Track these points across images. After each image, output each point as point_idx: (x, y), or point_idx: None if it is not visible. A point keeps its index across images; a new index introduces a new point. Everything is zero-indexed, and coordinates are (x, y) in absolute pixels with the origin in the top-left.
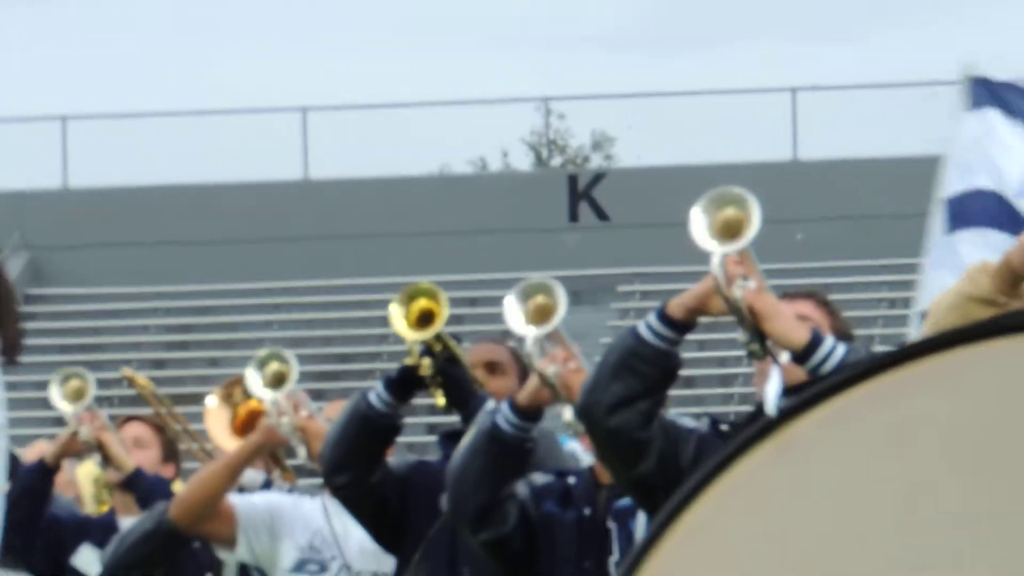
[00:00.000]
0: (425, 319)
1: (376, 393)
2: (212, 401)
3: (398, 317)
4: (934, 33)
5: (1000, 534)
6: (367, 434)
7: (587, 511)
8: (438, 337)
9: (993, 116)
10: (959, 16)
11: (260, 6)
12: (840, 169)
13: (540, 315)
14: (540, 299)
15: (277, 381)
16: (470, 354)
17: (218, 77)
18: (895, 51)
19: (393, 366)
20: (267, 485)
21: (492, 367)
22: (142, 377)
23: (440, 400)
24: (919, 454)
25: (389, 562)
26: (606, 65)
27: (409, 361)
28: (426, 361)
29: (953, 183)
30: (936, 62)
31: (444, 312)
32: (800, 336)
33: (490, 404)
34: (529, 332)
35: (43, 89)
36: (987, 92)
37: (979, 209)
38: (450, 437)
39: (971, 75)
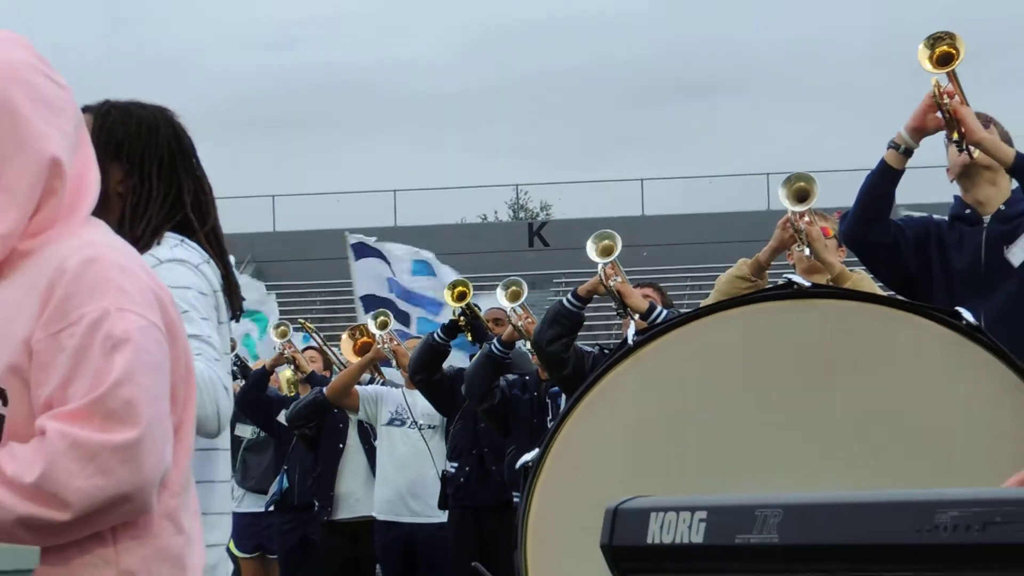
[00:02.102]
0: (461, 296)
1: (437, 334)
2: (345, 337)
3: (449, 297)
4: None
5: (774, 405)
6: (432, 355)
7: (535, 394)
8: (468, 306)
9: None
10: None
11: None
12: None
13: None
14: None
15: (382, 326)
16: (485, 314)
17: None
18: None
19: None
20: (371, 381)
21: (497, 321)
22: (310, 325)
23: (469, 337)
24: (708, 362)
25: (440, 419)
26: (552, 166)
27: (454, 317)
28: (462, 319)
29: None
30: None
31: (470, 293)
32: (643, 305)
33: (494, 341)
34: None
35: None
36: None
37: None
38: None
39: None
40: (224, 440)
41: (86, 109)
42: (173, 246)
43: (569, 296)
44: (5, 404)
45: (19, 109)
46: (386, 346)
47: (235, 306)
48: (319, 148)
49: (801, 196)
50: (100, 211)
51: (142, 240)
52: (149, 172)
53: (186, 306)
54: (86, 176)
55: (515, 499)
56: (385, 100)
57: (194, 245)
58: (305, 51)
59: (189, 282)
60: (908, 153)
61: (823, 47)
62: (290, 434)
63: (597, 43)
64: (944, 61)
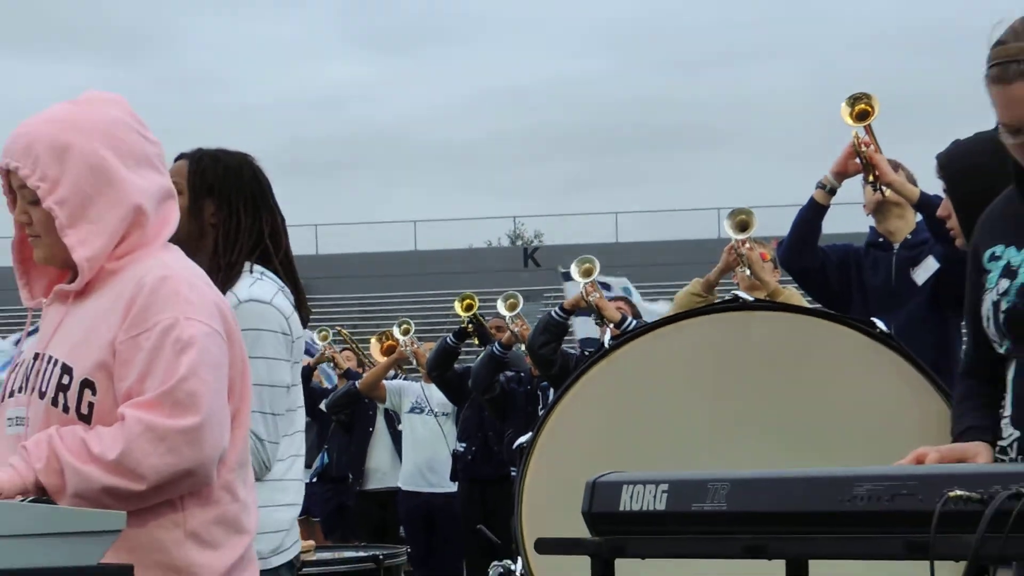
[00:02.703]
0: (468, 308)
1: (450, 338)
2: (373, 341)
3: (459, 308)
4: None
5: (723, 399)
6: (446, 356)
7: (529, 387)
8: (475, 315)
9: None
10: None
11: None
12: None
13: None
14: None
15: (405, 332)
16: (489, 323)
17: None
18: None
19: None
20: (394, 377)
21: (498, 328)
22: (346, 332)
23: (476, 341)
24: (669, 363)
25: (451, 407)
26: (543, 202)
27: (463, 325)
28: (470, 325)
29: None
30: None
31: (476, 305)
32: (617, 316)
33: (495, 343)
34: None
35: None
36: None
37: None
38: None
39: None
40: (299, 426)
41: (181, 156)
42: (251, 284)
43: (557, 309)
44: (95, 394)
45: (108, 161)
46: (408, 348)
47: (304, 316)
48: (354, 185)
49: (743, 226)
50: (197, 239)
51: (235, 264)
52: (236, 207)
53: (263, 350)
54: (167, 212)
55: (512, 473)
56: (408, 147)
57: (270, 275)
58: (345, 107)
59: (266, 324)
60: (832, 192)
61: (762, 100)
62: (329, 419)
63: (577, 100)
64: (862, 117)
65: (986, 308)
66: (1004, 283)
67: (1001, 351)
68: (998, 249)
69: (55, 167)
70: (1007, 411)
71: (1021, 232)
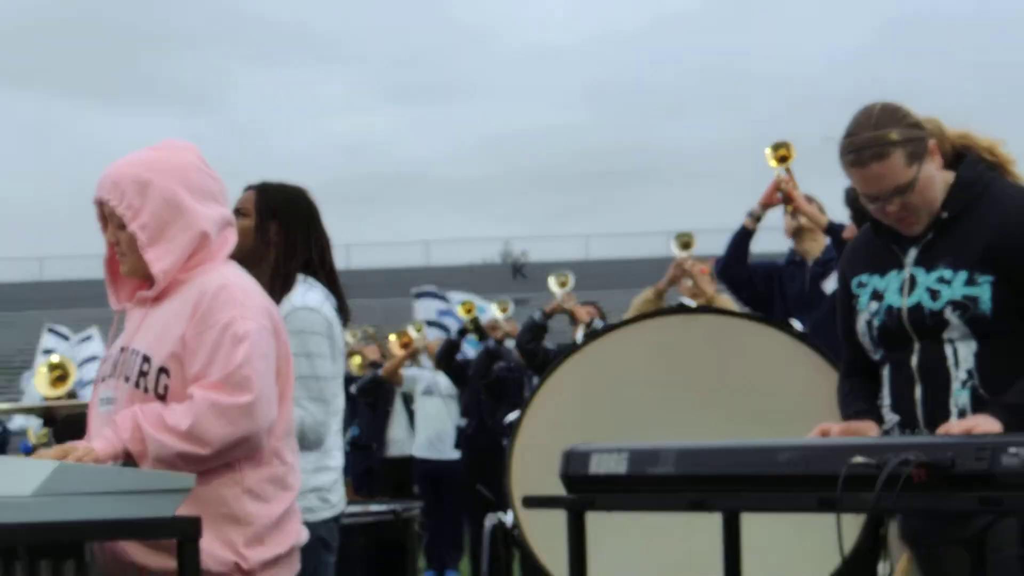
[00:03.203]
0: (468, 311)
1: (453, 335)
2: (393, 338)
3: (462, 311)
4: None
5: (672, 384)
6: (450, 349)
7: (518, 375)
8: (474, 318)
9: None
10: None
11: None
12: None
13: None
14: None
15: (418, 330)
16: (485, 323)
17: None
18: None
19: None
20: (410, 366)
21: (492, 327)
22: (371, 330)
23: (477, 338)
24: (628, 355)
25: (455, 390)
26: (529, 226)
27: (465, 325)
28: (470, 325)
29: None
30: None
31: (475, 309)
32: (587, 318)
33: (491, 340)
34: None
35: None
36: None
37: None
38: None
39: None
40: (340, 407)
41: (250, 187)
42: (304, 293)
43: (538, 312)
44: (169, 378)
45: (181, 195)
46: (420, 344)
47: (344, 318)
48: (379, 212)
49: (686, 246)
50: (262, 254)
51: (290, 275)
52: (293, 229)
53: (313, 349)
54: (227, 236)
55: (504, 444)
56: (423, 182)
57: (317, 284)
58: (373, 149)
59: (315, 328)
60: (758, 219)
61: (703, 145)
62: (357, 400)
63: (558, 145)
64: (782, 160)
65: (861, 325)
66: (874, 305)
67: (876, 358)
68: (863, 277)
69: (138, 199)
70: (886, 401)
71: (879, 262)
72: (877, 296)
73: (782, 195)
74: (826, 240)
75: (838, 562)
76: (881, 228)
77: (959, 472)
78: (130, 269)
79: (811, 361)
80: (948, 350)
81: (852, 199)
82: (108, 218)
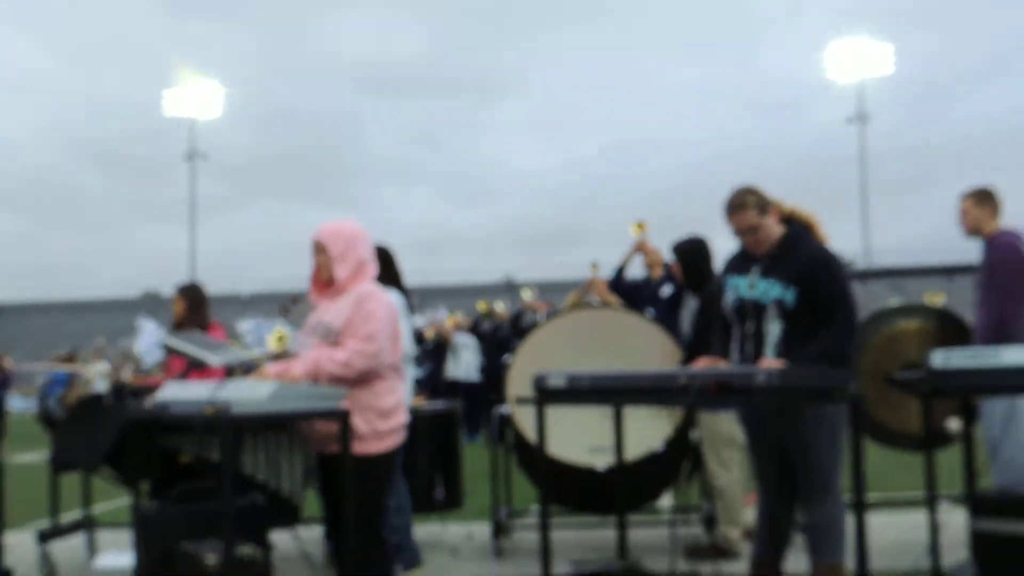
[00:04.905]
0: (484, 308)
1: (476, 318)
2: (448, 323)
3: (483, 307)
4: None
5: (586, 343)
6: (474, 327)
7: (516, 338)
8: (488, 311)
9: None
10: None
11: None
12: None
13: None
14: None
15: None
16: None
17: None
18: None
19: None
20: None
21: (489, 315)
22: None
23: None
24: (566, 329)
25: (479, 346)
26: (519, 262)
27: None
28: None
29: None
30: None
31: (487, 306)
32: (544, 311)
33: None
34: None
35: None
36: None
37: None
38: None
39: None
40: (411, 356)
41: (377, 244)
42: (389, 294)
43: (520, 309)
44: (339, 335)
45: (360, 246)
46: (463, 325)
47: (412, 306)
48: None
49: (593, 269)
50: (383, 277)
51: (385, 287)
52: (390, 264)
53: (400, 326)
54: (372, 268)
55: (503, 373)
56: (454, 233)
57: (397, 292)
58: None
59: (394, 311)
60: (624, 265)
61: (622, 197)
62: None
63: (542, 196)
64: (640, 228)
65: (726, 304)
66: (732, 294)
67: (733, 325)
68: (732, 279)
69: (336, 242)
70: (735, 348)
71: (740, 271)
72: (735, 289)
73: (640, 249)
74: (662, 271)
75: (669, 431)
76: (744, 253)
77: (735, 386)
78: (326, 278)
79: (655, 332)
80: (766, 325)
81: (677, 247)
82: (319, 250)
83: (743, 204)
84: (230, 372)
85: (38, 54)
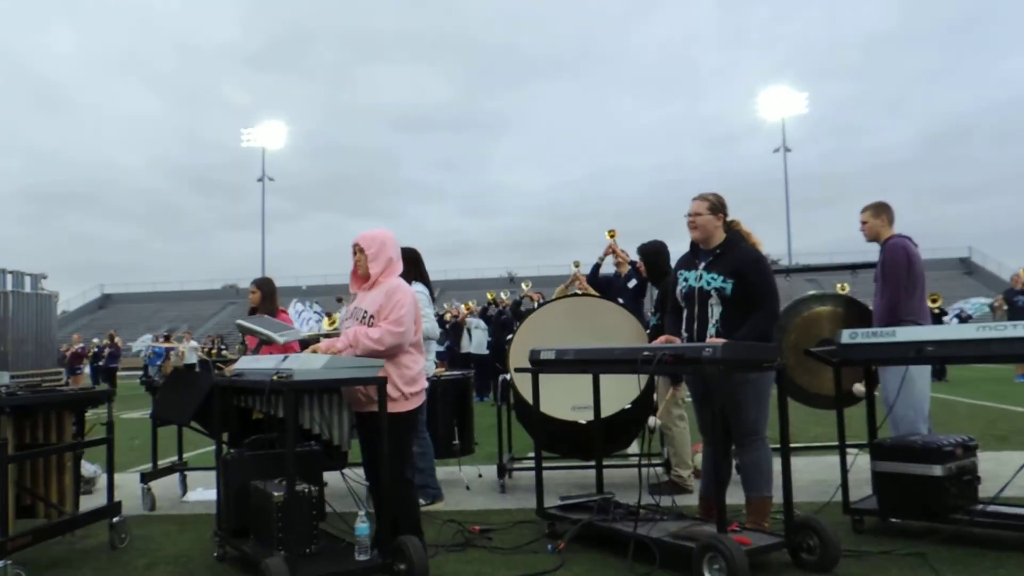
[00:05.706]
0: (491, 297)
1: (486, 304)
2: (464, 308)
3: (491, 296)
4: None
5: (571, 325)
6: (483, 312)
7: (517, 321)
8: (494, 299)
9: None
10: None
11: None
12: None
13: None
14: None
15: (467, 307)
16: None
17: None
18: None
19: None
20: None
21: (495, 303)
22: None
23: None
24: (555, 314)
25: (487, 327)
26: (517, 259)
27: (489, 302)
28: (493, 303)
29: None
30: None
31: (494, 295)
32: (537, 298)
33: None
34: (527, 289)
35: None
36: None
37: None
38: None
39: None
40: (434, 339)
41: (409, 248)
42: (417, 289)
43: (518, 296)
44: (373, 319)
45: (388, 246)
46: (474, 311)
47: (434, 296)
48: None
49: (576, 267)
50: (407, 274)
51: (411, 282)
52: (417, 263)
53: (425, 311)
54: (399, 266)
55: (506, 347)
56: (468, 242)
57: (423, 286)
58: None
59: (422, 301)
60: (600, 263)
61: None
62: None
63: (539, 210)
64: (611, 235)
65: (677, 292)
66: (683, 284)
67: (683, 307)
68: (683, 273)
69: (371, 245)
70: (684, 328)
71: (689, 265)
72: (685, 280)
73: (612, 251)
74: (629, 267)
75: (636, 395)
76: (693, 251)
77: (687, 358)
78: (362, 274)
79: (626, 316)
80: (709, 309)
81: (642, 250)
82: (357, 251)
83: (704, 197)
84: (304, 346)
85: (149, 99)
